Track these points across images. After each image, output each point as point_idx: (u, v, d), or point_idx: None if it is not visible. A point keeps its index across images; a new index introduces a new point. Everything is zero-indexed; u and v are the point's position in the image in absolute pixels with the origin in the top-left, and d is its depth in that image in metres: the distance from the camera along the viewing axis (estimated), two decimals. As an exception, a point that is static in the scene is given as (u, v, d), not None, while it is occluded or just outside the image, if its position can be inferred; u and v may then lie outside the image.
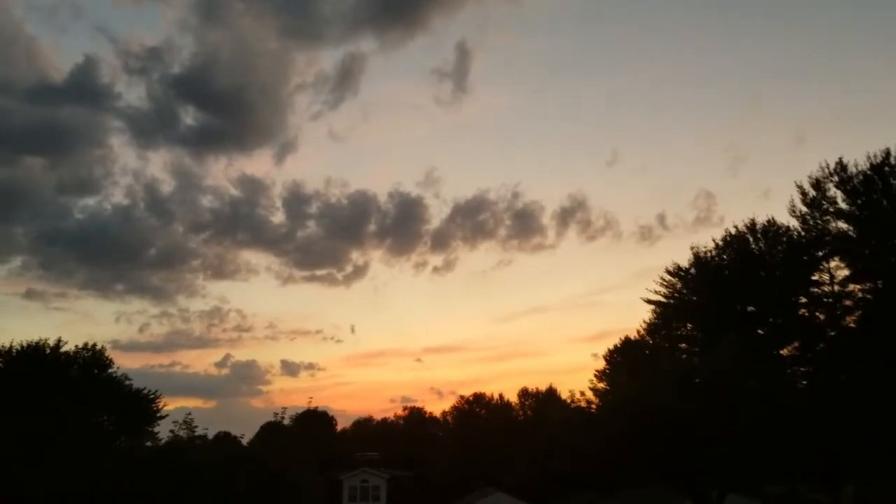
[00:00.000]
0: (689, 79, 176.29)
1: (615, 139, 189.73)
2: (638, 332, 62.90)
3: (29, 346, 52.53)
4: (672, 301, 57.56)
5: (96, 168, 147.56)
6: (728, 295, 51.73)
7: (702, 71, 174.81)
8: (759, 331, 50.42)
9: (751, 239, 53.54)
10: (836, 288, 48.37)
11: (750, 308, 52.32)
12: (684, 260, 56.50)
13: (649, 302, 58.57)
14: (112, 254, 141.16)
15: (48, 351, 52.95)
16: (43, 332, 48.36)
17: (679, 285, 57.18)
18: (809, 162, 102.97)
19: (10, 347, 51.94)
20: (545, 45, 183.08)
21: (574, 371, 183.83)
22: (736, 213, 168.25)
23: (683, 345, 56.69)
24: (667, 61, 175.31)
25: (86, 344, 55.53)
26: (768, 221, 52.82)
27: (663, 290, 57.96)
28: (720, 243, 54.86)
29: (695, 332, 56.26)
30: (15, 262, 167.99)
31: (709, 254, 55.18)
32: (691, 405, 31.70)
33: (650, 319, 60.13)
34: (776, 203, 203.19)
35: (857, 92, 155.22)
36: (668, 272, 57.67)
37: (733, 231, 54.18)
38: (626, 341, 65.66)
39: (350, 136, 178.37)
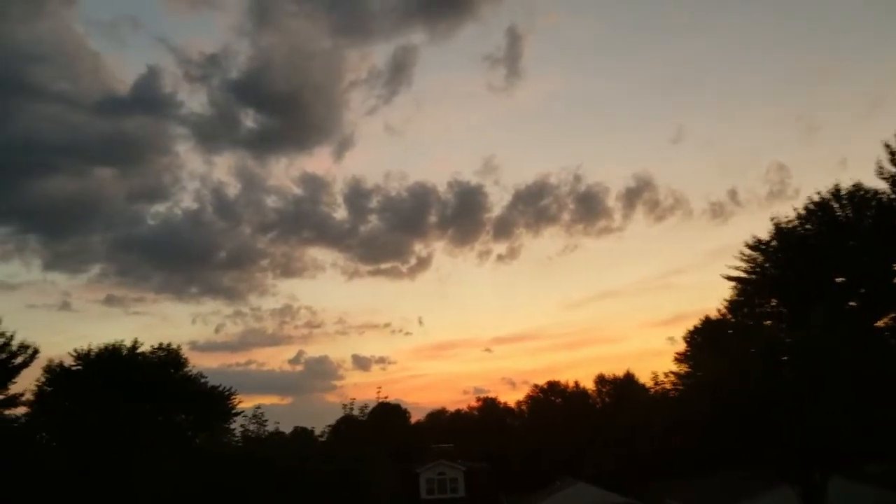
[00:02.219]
0: (754, 46, 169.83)
1: (679, 114, 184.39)
2: (718, 311, 60.41)
3: (106, 348, 53.22)
4: (754, 276, 55.05)
5: (165, 175, 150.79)
6: (814, 266, 49.12)
7: (768, 37, 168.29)
8: (851, 302, 47.65)
9: (836, 206, 50.61)
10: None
11: (839, 279, 49.54)
12: (760, 234, 53.99)
13: (730, 278, 56.13)
14: (184, 257, 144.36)
15: (125, 352, 53.55)
16: (124, 336, 49.72)
17: (760, 259, 54.57)
18: (887, 127, 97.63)
19: (89, 350, 52.70)
20: (598, 23, 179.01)
21: (650, 356, 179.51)
22: (812, 185, 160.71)
23: (768, 321, 54.08)
24: (730, 30, 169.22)
25: (161, 344, 56.16)
26: (854, 186, 49.87)
27: (744, 265, 55.44)
28: (802, 212, 52.12)
29: (780, 307, 53.69)
30: (94, 270, 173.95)
31: (790, 224, 52.53)
32: (788, 381, 29.70)
33: (731, 297, 57.70)
34: (854, 171, 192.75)
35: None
36: (748, 246, 55.10)
37: (816, 198, 51.44)
38: (707, 321, 63.30)
39: (406, 128, 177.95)
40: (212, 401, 55.87)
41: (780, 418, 29.51)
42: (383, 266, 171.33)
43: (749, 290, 55.69)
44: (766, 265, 54.24)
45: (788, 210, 57.05)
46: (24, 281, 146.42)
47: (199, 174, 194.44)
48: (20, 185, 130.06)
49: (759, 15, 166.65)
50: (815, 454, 31.65)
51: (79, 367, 52.09)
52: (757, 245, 54.36)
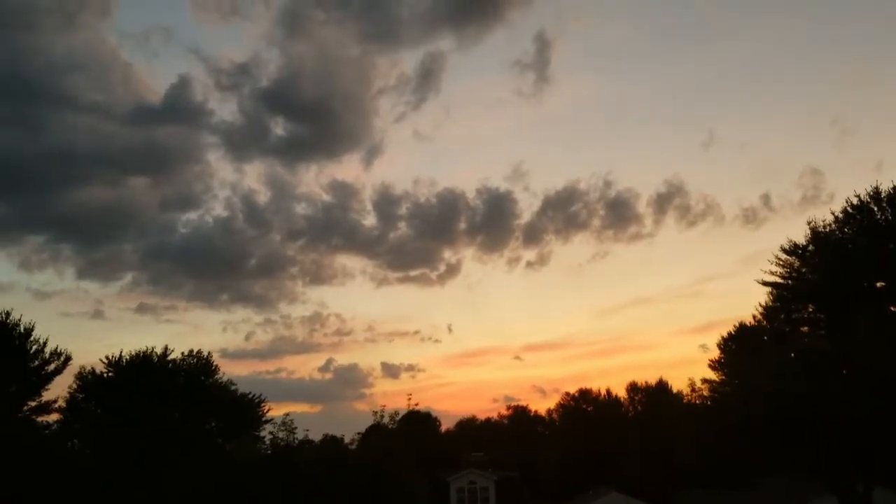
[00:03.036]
0: (786, 50, 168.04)
1: (710, 119, 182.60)
2: (754, 317, 59.27)
3: (137, 355, 53.47)
4: (790, 281, 53.84)
5: (196, 183, 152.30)
6: (853, 271, 47.83)
7: (800, 40, 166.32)
8: (893, 307, 46.35)
9: (875, 208, 49.33)
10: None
11: (879, 283, 48.25)
12: (794, 239, 52.80)
13: (765, 284, 54.86)
14: (215, 265, 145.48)
15: (156, 359, 53.75)
16: (156, 344, 50.13)
17: (797, 264, 53.31)
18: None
19: (120, 357, 52.97)
20: (627, 28, 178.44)
21: (683, 364, 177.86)
22: (846, 189, 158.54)
23: (805, 328, 52.81)
24: (761, 33, 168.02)
25: (191, 351, 56.36)
26: (894, 188, 48.53)
27: (780, 270, 54.22)
28: (840, 216, 50.84)
29: (818, 313, 52.40)
30: (126, 279, 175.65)
31: (828, 228, 51.28)
32: (832, 390, 28.75)
33: (767, 303, 56.51)
34: (890, 174, 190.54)
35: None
36: (784, 250, 53.84)
37: (854, 201, 50.14)
38: (742, 328, 62.18)
39: (435, 135, 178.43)
40: (242, 408, 55.91)
41: (824, 428, 28.60)
42: (412, 273, 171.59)
43: (785, 296, 54.39)
44: (803, 270, 52.94)
45: (823, 214, 55.70)
46: (58, 289, 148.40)
47: (229, 182, 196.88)
48: (54, 195, 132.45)
49: (792, 18, 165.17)
50: (859, 465, 30.67)
51: (110, 374, 52.38)
52: (793, 249, 53.10)
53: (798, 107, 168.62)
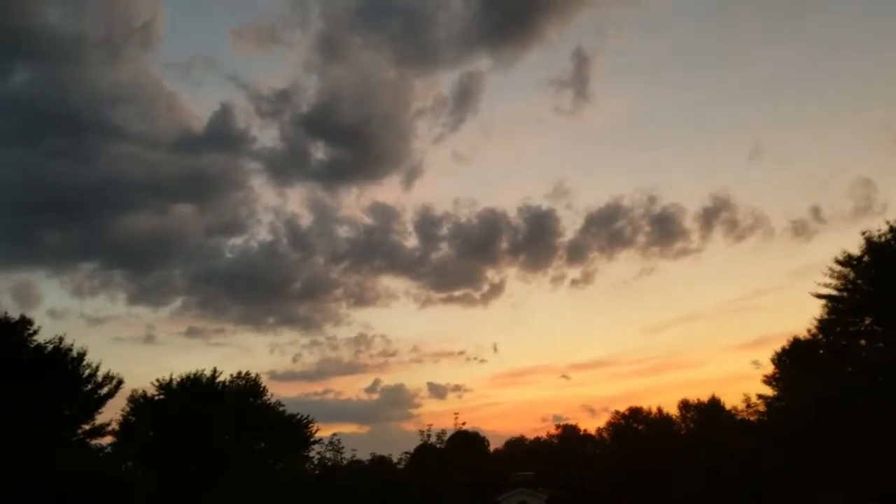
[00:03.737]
0: (832, 57, 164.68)
1: (756, 130, 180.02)
2: (808, 331, 57.81)
3: (187, 377, 54.07)
4: (845, 293, 52.39)
5: (240, 209, 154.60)
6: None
7: (846, 47, 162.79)
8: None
9: (934, 216, 47.90)
10: None
11: (940, 294, 46.67)
12: (847, 251, 51.41)
13: (819, 296, 53.53)
14: (261, 288, 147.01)
15: (205, 381, 54.30)
16: (206, 366, 51.03)
17: (852, 275, 51.92)
18: None
19: (170, 380, 53.62)
20: (667, 42, 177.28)
21: (734, 380, 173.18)
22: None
23: (863, 341, 51.27)
24: (806, 41, 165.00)
25: (240, 372, 56.89)
26: (953, 196, 47.12)
27: (834, 282, 52.87)
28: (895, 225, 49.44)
29: (875, 325, 50.86)
30: (176, 303, 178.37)
31: (884, 238, 49.86)
32: (890, 404, 27.75)
33: (822, 316, 55.06)
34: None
35: None
36: (838, 262, 52.53)
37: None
38: (796, 342, 60.72)
39: (474, 155, 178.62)
40: (290, 429, 56.15)
41: (885, 443, 27.60)
42: (456, 293, 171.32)
43: (841, 309, 52.99)
44: (859, 282, 51.51)
45: (877, 225, 54.08)
46: (110, 315, 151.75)
47: (272, 207, 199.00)
48: (105, 223, 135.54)
49: (838, 25, 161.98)
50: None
51: (161, 397, 53.04)
52: (848, 261, 51.77)
53: (846, 115, 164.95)
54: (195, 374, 54.41)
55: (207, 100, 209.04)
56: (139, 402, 52.82)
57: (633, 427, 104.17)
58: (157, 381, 53.94)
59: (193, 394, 52.44)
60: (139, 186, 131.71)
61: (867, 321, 51.71)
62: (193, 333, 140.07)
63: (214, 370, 55.14)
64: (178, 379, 53.88)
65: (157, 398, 53.30)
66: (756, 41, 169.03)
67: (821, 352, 52.67)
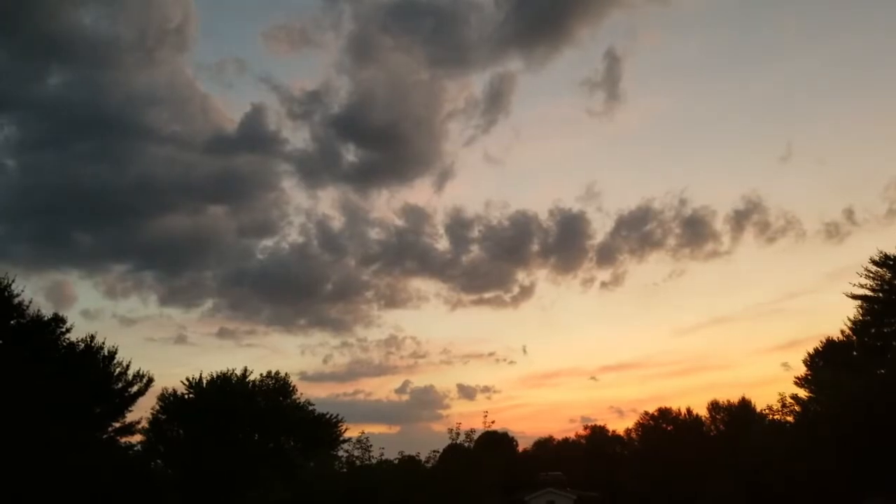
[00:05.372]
0: (865, 58, 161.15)
1: (788, 132, 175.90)
2: (842, 332, 56.94)
3: (217, 376, 54.44)
4: (881, 294, 51.59)
5: (272, 210, 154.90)
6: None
7: (879, 48, 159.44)
8: None
9: (973, 215, 46.99)
10: None
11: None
12: (884, 251, 50.60)
13: (854, 297, 52.79)
14: (293, 290, 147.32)
15: (235, 381, 54.64)
16: (238, 367, 51.74)
17: (888, 276, 51.14)
18: None
19: (200, 378, 54.01)
20: (699, 42, 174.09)
21: (765, 382, 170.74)
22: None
23: (898, 342, 50.40)
24: (839, 42, 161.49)
25: (269, 372, 57.19)
26: None
27: (869, 282, 52.10)
28: (934, 224, 48.64)
29: (911, 324, 50.04)
30: (207, 305, 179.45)
31: (921, 237, 49.05)
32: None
33: (856, 317, 54.22)
34: None
35: None
36: (874, 262, 51.78)
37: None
38: (829, 343, 59.83)
39: (505, 157, 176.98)
40: (319, 428, 56.37)
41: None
42: (486, 295, 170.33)
43: (876, 309, 52.18)
44: (895, 282, 50.76)
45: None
46: (143, 315, 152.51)
47: (304, 209, 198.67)
48: (137, 225, 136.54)
49: (870, 26, 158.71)
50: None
51: (191, 396, 53.43)
52: (884, 261, 50.99)
53: (880, 116, 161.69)
54: (225, 373, 54.86)
55: (239, 101, 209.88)
56: (169, 401, 53.28)
57: (662, 427, 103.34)
58: (188, 379, 54.44)
59: (223, 392, 52.79)
60: (172, 188, 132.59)
61: (903, 321, 50.89)
62: (224, 334, 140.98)
63: (245, 370, 55.61)
64: (208, 378, 54.30)
65: (186, 396, 53.71)
66: (789, 42, 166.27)
67: (854, 353, 51.83)
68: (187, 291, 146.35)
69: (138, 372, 47.63)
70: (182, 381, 54.83)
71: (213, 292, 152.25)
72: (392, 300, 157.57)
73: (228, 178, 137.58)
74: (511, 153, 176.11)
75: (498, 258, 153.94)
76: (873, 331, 52.34)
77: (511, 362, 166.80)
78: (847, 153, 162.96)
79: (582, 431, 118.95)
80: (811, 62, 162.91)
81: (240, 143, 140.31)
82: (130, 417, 47.94)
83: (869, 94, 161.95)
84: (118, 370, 46.77)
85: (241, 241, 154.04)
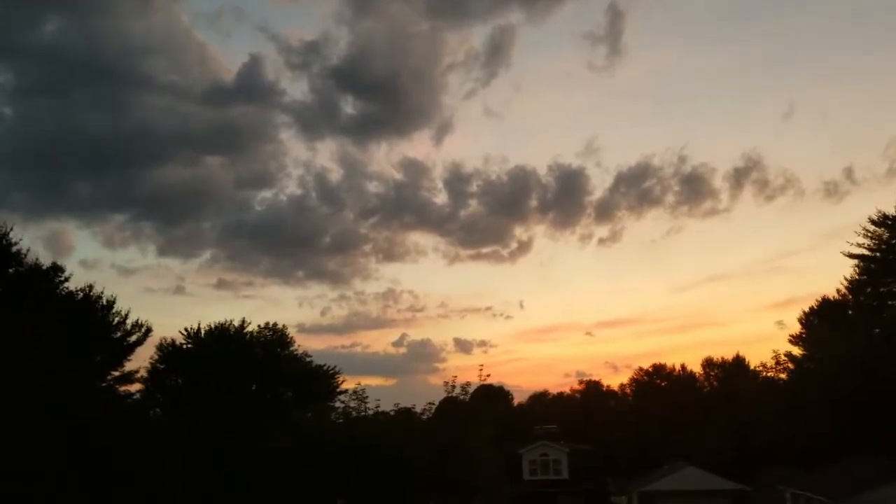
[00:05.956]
0: (868, 16, 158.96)
1: (790, 89, 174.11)
2: (838, 291, 57.19)
3: (216, 327, 54.70)
4: (878, 254, 51.69)
5: (270, 162, 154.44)
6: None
7: (882, 6, 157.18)
8: None
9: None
10: None
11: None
12: (883, 210, 50.55)
13: (851, 256, 52.91)
14: (291, 242, 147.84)
15: (233, 331, 54.94)
16: (235, 318, 52.08)
17: (886, 235, 51.17)
18: None
19: (199, 329, 54.28)
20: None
21: (759, 340, 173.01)
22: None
23: (893, 302, 50.65)
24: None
25: (267, 323, 57.52)
26: None
27: (867, 242, 52.16)
28: (934, 184, 48.54)
29: (908, 285, 50.21)
30: (205, 256, 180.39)
31: (921, 197, 48.96)
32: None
33: (852, 276, 54.37)
34: None
35: None
36: (872, 222, 51.75)
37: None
38: (825, 302, 60.07)
39: (505, 111, 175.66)
40: (316, 379, 56.91)
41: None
42: (484, 250, 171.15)
43: (873, 269, 52.32)
44: (893, 242, 50.81)
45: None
46: (141, 266, 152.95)
47: (302, 161, 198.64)
48: (135, 175, 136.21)
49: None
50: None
51: (189, 346, 53.78)
52: (882, 220, 50.95)
53: (883, 73, 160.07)
54: (223, 324, 55.11)
55: (237, 51, 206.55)
56: (167, 350, 53.63)
57: (656, 383, 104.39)
58: (186, 329, 54.73)
59: (221, 343, 53.11)
60: (170, 138, 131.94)
61: (900, 281, 51.04)
62: (223, 286, 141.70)
63: (243, 321, 55.93)
64: (207, 328, 54.60)
65: (185, 346, 54.05)
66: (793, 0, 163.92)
67: (850, 312, 52.12)
68: (185, 242, 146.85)
69: (137, 321, 47.95)
70: (180, 332, 55.26)
71: (211, 243, 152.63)
72: (390, 254, 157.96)
73: (226, 128, 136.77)
74: (511, 107, 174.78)
75: (496, 213, 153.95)
76: (869, 290, 52.56)
77: (508, 317, 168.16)
78: (848, 112, 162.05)
79: (577, 386, 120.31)
80: (816, 21, 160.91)
81: (237, 93, 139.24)
82: (129, 367, 48.41)
83: (871, 53, 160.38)
84: (117, 320, 47.04)
85: (239, 193, 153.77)
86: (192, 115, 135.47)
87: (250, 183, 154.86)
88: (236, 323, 55.80)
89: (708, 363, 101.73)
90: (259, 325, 57.20)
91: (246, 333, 55.82)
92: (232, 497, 41.18)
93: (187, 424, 48.07)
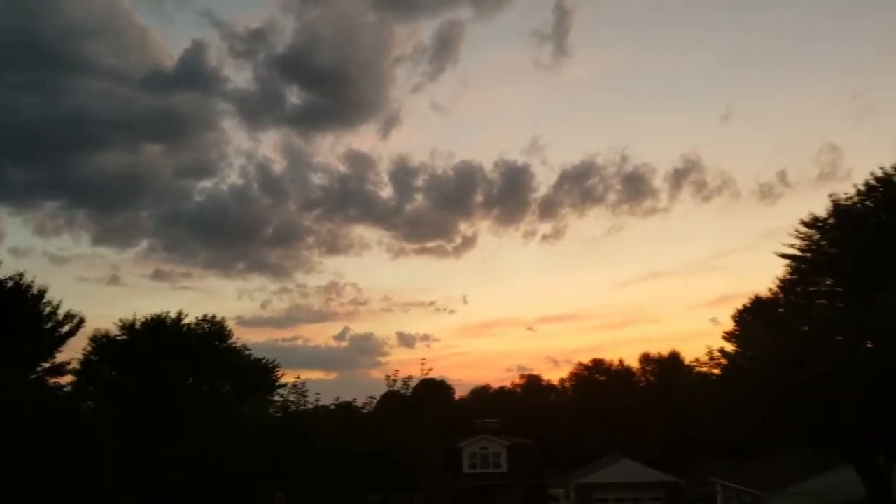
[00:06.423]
0: (808, 24, 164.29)
1: (729, 93, 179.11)
2: (770, 290, 58.76)
3: (151, 319, 53.60)
4: (809, 254, 53.24)
5: (211, 151, 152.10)
6: (873, 244, 47.14)
7: (821, 15, 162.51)
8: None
9: (900, 182, 48.49)
10: None
11: (901, 257, 47.56)
12: (814, 213, 52.17)
13: (783, 256, 54.30)
14: (231, 233, 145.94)
15: (169, 323, 53.91)
16: (172, 310, 50.73)
17: (817, 237, 52.65)
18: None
19: (134, 321, 53.12)
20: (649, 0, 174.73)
21: (695, 336, 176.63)
22: (865, 167, 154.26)
23: (822, 301, 52.27)
24: (782, 6, 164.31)
25: (205, 316, 56.54)
26: (921, 162, 47.50)
27: (798, 243, 53.61)
28: (862, 188, 50.09)
29: (835, 286, 51.83)
30: (142, 245, 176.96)
31: (850, 201, 50.53)
32: (849, 360, 28.32)
33: (784, 276, 55.92)
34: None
35: None
36: (804, 223, 53.17)
37: (878, 173, 49.26)
38: (757, 300, 61.71)
39: (452, 106, 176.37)
40: (255, 373, 56.21)
41: (844, 398, 28.21)
42: (429, 245, 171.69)
43: (803, 269, 53.84)
44: (823, 243, 52.30)
45: (841, 190, 55.10)
46: (74, 254, 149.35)
47: (244, 150, 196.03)
48: (71, 160, 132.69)
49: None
50: (884, 436, 30.27)
51: (124, 337, 52.61)
52: (813, 222, 52.44)
53: (818, 81, 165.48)
54: (159, 316, 54.02)
55: (179, 36, 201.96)
56: (101, 342, 52.31)
57: (595, 378, 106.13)
58: (121, 321, 53.52)
59: (157, 335, 52.04)
60: (107, 123, 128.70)
61: (828, 281, 52.71)
62: (160, 276, 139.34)
63: (180, 313, 54.85)
64: (143, 320, 53.46)
65: (120, 338, 52.85)
66: (735, 5, 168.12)
67: (781, 310, 53.59)
68: (121, 231, 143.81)
69: (69, 312, 46.64)
70: (115, 323, 53.96)
71: (148, 233, 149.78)
72: (333, 246, 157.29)
73: (166, 115, 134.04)
74: (458, 102, 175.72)
75: (442, 208, 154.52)
76: (799, 289, 53.94)
77: (451, 311, 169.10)
78: (784, 117, 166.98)
79: (518, 380, 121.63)
80: (755, 24, 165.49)
81: (179, 79, 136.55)
82: (60, 358, 47.10)
83: (807, 59, 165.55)
84: (48, 310, 45.65)
85: (179, 182, 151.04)
86: (131, 100, 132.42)
87: (190, 172, 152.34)
88: (173, 315, 54.78)
89: (645, 358, 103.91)
90: (197, 318, 56.25)
91: (183, 326, 54.75)
92: (167, 491, 40.50)
93: (120, 417, 47.05)
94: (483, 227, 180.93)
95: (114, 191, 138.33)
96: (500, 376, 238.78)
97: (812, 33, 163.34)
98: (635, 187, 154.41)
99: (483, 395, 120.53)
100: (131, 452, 42.78)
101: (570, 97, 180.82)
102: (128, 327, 53.09)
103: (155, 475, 41.62)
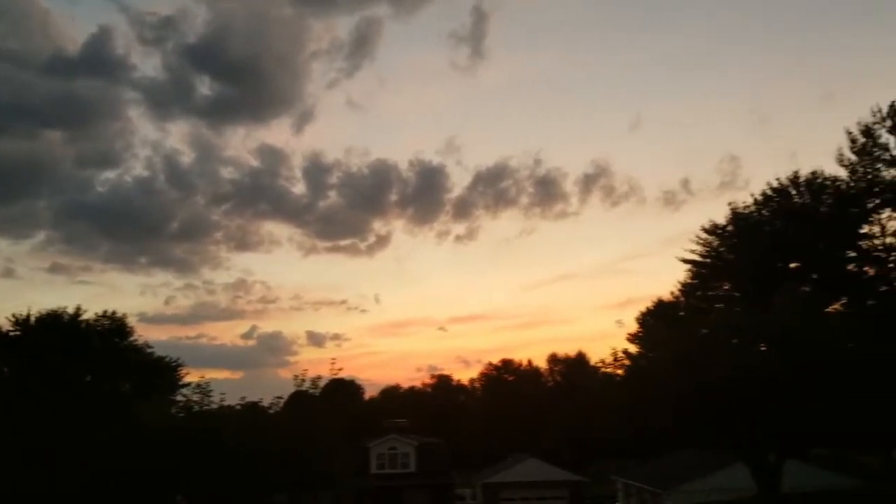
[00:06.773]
0: (711, 39, 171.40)
1: (638, 103, 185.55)
2: (672, 293, 60.86)
3: (47, 314, 51.48)
4: (709, 260, 55.43)
5: (116, 141, 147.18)
6: (769, 251, 49.41)
7: (725, 30, 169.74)
8: (804, 288, 48.08)
9: (793, 192, 51.04)
10: (889, 240, 45.75)
11: (793, 264, 49.95)
12: (714, 221, 54.47)
13: (685, 261, 56.46)
14: (134, 227, 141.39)
15: (67, 319, 51.88)
16: (70, 305, 48.65)
17: (716, 243, 54.91)
18: (837, 120, 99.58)
19: (28, 316, 50.91)
20: (563, 8, 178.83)
21: (601, 337, 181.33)
22: (762, 176, 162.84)
23: (720, 304, 54.45)
24: (689, 21, 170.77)
25: (105, 312, 54.60)
26: (812, 173, 50.20)
27: (699, 248, 55.77)
28: (759, 198, 52.53)
29: (733, 291, 54.07)
30: (39, 237, 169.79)
31: (748, 209, 52.88)
32: (744, 363, 29.58)
33: (685, 280, 58.01)
34: (804, 164, 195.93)
35: (889, 48, 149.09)
36: (705, 230, 55.39)
37: (774, 184, 51.74)
38: (660, 303, 63.78)
39: (368, 103, 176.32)
40: (157, 372, 54.60)
41: (739, 400, 29.43)
42: (342, 243, 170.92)
43: (703, 274, 56.02)
44: (722, 249, 54.61)
45: (740, 199, 57.72)
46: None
47: (151, 141, 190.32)
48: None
49: (717, 11, 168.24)
50: (776, 436, 31.70)
51: (17, 333, 50.36)
52: (714, 229, 54.63)
53: (720, 94, 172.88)
54: (56, 311, 51.91)
55: (84, 21, 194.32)
56: (-8, 338, 49.92)
57: (504, 378, 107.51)
58: (14, 316, 51.17)
59: (53, 331, 49.98)
60: (4, 108, 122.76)
61: (726, 286, 54.97)
62: (57, 270, 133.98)
63: (77, 308, 52.83)
64: (38, 315, 51.29)
65: (12, 334, 50.54)
66: (645, 18, 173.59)
67: (681, 313, 55.52)
68: (17, 222, 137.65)
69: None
70: (7, 318, 51.55)
71: (45, 224, 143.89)
72: (242, 242, 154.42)
73: (68, 102, 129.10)
74: (374, 100, 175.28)
75: (355, 206, 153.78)
76: (699, 293, 56.19)
77: (363, 311, 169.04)
78: (688, 126, 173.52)
79: (428, 380, 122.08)
80: (664, 38, 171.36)
81: (82, 65, 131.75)
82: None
83: (712, 73, 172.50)
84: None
85: (80, 172, 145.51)
86: (31, 85, 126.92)
87: (92, 161, 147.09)
88: (70, 310, 52.70)
89: (553, 359, 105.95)
90: (96, 313, 54.25)
91: (81, 321, 52.73)
92: (57, 491, 38.85)
93: (12, 415, 44.92)
94: (397, 227, 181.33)
95: (10, 179, 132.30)
96: (411, 376, 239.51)
97: (715, 50, 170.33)
98: (547, 191, 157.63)
99: (393, 395, 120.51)
100: (23, 450, 40.87)
101: (485, 99, 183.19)
102: (21, 322, 50.85)
103: (45, 478, 39.89)
